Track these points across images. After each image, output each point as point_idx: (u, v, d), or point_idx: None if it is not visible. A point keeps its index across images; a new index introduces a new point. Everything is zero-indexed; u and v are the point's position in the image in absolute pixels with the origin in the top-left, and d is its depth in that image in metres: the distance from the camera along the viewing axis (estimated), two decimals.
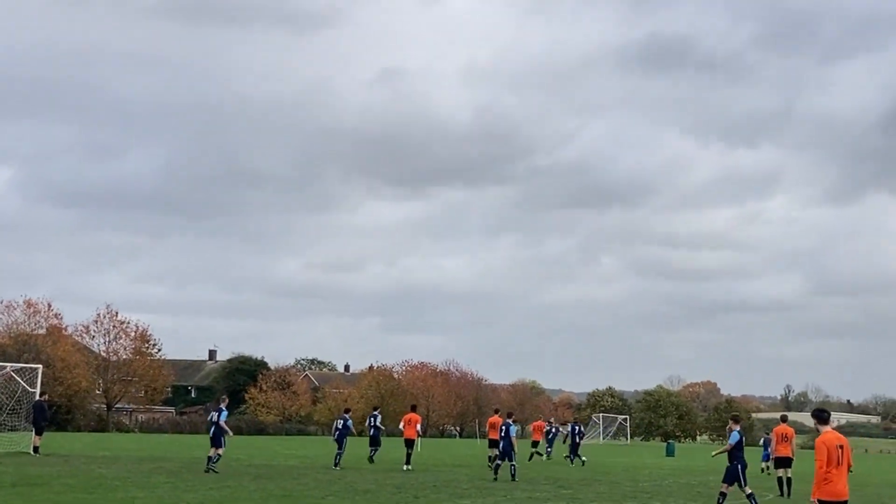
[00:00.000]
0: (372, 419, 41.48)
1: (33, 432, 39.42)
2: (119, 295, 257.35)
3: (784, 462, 31.10)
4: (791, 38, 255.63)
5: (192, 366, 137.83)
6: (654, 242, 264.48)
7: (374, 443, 40.30)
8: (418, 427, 38.45)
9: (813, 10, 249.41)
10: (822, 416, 14.36)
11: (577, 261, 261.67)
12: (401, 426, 39.94)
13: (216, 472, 30.18)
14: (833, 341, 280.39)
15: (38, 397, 40.73)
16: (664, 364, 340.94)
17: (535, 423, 55.68)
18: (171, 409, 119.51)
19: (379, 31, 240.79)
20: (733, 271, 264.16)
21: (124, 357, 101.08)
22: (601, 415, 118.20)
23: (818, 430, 14.07)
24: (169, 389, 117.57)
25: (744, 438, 24.26)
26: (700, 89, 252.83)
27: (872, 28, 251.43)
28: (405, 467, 36.66)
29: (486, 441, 39.18)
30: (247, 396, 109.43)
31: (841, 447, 13.88)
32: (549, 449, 54.56)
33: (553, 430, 56.81)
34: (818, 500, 13.65)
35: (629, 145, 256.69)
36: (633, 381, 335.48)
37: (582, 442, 50.62)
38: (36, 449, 38.75)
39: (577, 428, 50.46)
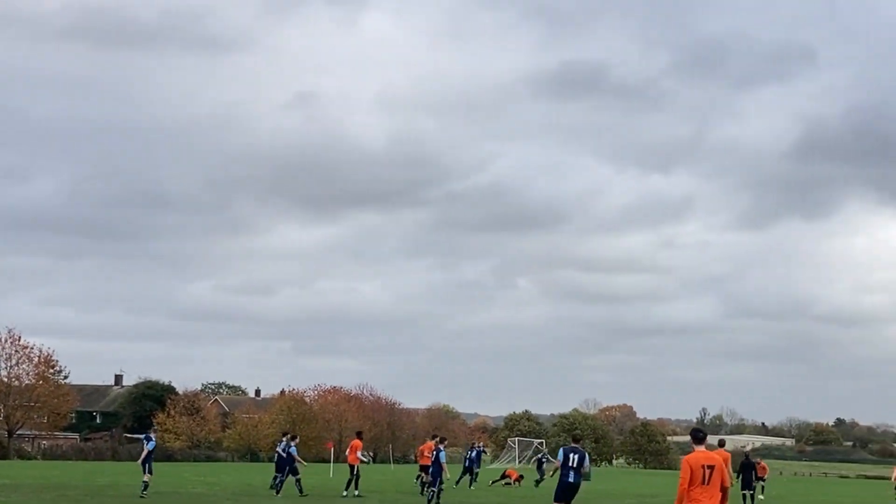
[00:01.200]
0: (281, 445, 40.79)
1: None
2: (23, 318, 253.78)
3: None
4: (703, 67, 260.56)
5: (98, 391, 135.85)
6: (571, 266, 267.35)
7: (280, 469, 39.52)
8: (359, 453, 37.87)
9: (724, 39, 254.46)
10: (696, 435, 14.66)
11: (493, 285, 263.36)
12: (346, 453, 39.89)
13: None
14: (747, 364, 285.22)
15: None
16: (581, 388, 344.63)
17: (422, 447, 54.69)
18: (76, 436, 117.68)
19: (294, 56, 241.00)
20: (649, 295, 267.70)
21: (27, 382, 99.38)
22: (517, 438, 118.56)
23: (693, 448, 14.28)
24: (73, 415, 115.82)
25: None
26: (615, 116, 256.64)
27: (782, 58, 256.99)
28: (344, 493, 36.47)
29: (401, 466, 39.12)
30: (154, 422, 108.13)
31: (710, 467, 13.99)
32: (476, 470, 54.62)
33: (477, 451, 56.61)
34: None
35: (545, 170, 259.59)
36: (550, 404, 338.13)
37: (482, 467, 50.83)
38: None
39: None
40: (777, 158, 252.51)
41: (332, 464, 61.01)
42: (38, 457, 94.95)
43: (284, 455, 36.22)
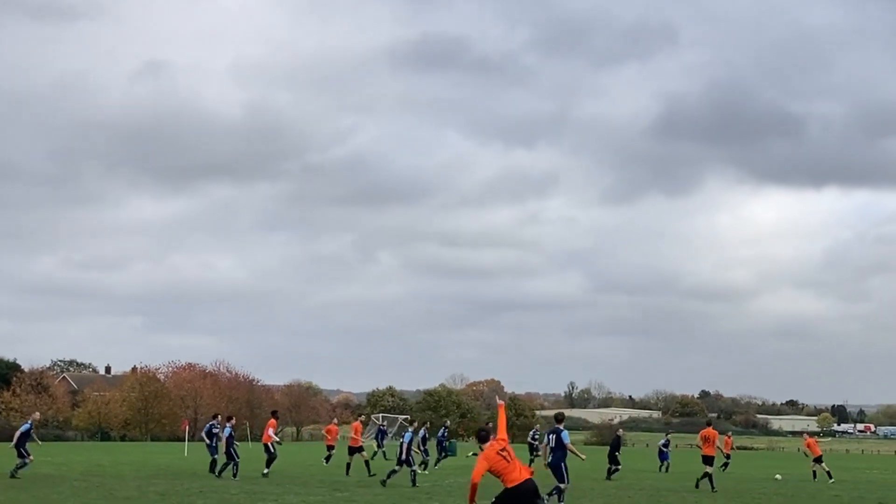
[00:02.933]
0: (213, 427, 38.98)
1: None
2: None
3: (708, 461, 35.83)
4: (565, 44, 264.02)
5: None
6: (434, 241, 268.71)
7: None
8: (270, 432, 37.85)
9: (586, 17, 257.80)
10: (481, 436, 15.63)
11: (353, 259, 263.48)
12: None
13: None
14: (614, 339, 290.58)
15: None
16: (447, 363, 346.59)
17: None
18: None
19: (143, 25, 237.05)
20: (514, 270, 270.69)
21: None
22: (381, 415, 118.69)
23: (481, 449, 15.13)
24: None
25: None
26: (476, 90, 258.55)
27: (643, 37, 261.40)
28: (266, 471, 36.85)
29: (264, 445, 38.68)
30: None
31: (504, 449, 15.13)
32: (382, 448, 54.08)
33: (382, 429, 55.88)
34: (505, 490, 14.58)
35: (406, 144, 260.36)
36: (416, 380, 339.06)
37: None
38: None
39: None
40: (639, 135, 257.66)
41: (186, 443, 60.23)
42: None
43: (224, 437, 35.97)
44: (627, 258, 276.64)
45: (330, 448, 52.03)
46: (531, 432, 47.50)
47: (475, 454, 27.41)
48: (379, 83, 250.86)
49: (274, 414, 39.80)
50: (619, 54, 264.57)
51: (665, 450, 52.19)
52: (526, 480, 14.50)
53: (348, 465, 39.57)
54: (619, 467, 43.46)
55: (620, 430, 50.20)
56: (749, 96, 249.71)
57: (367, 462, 39.78)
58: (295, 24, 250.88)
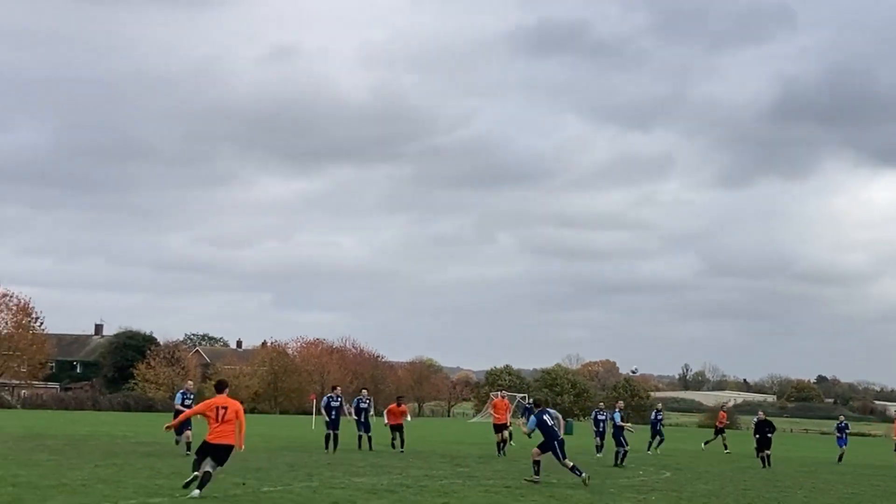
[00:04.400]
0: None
1: None
2: (2, 268, 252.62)
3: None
4: (681, 27, 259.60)
5: (78, 340, 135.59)
6: (551, 223, 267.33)
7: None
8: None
9: (701, 0, 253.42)
10: (219, 386, 19.92)
11: (473, 240, 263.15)
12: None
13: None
14: (728, 321, 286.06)
15: None
16: (563, 343, 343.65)
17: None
18: (56, 385, 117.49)
19: (273, 11, 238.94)
20: (629, 252, 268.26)
21: (5, 331, 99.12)
22: (500, 392, 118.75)
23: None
24: (53, 364, 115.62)
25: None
26: (593, 74, 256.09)
27: (759, 19, 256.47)
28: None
29: (382, 419, 39.19)
30: (135, 372, 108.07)
31: (224, 408, 19.19)
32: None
33: (528, 407, 54.53)
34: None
35: (525, 127, 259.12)
36: (532, 359, 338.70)
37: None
38: None
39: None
40: (756, 118, 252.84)
41: (314, 416, 61.00)
42: (18, 406, 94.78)
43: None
44: (742, 241, 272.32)
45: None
46: (594, 412, 45.83)
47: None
48: (499, 67, 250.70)
49: (399, 400, 40.14)
50: (736, 37, 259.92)
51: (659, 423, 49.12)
52: None
53: (498, 444, 38.39)
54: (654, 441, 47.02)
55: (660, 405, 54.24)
56: (867, 78, 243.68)
57: (504, 442, 38.65)
58: (419, 9, 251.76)
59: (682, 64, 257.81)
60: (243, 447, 19.83)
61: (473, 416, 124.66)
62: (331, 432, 35.33)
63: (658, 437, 48.05)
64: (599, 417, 41.92)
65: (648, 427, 50.09)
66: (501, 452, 37.49)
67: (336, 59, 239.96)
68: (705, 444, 54.09)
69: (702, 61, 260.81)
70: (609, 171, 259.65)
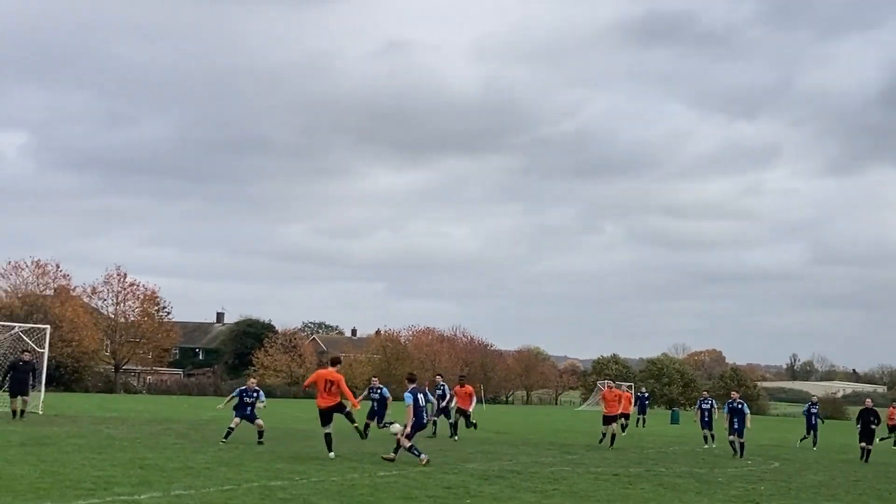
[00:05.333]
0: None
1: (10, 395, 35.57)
2: (128, 257, 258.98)
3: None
4: (789, 15, 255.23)
5: (200, 328, 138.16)
6: (657, 212, 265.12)
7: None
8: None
9: None
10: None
11: (579, 230, 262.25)
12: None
13: None
14: (837, 311, 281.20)
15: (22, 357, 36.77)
16: (669, 333, 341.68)
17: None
18: (179, 371, 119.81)
19: (387, 6, 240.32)
20: (735, 241, 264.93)
21: (132, 319, 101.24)
22: (606, 381, 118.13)
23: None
24: (176, 351, 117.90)
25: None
26: (700, 63, 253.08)
27: (867, 5, 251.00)
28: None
29: (492, 406, 39.29)
30: (253, 359, 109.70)
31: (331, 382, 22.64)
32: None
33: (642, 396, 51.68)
34: None
35: (632, 117, 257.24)
36: (638, 349, 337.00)
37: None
38: (15, 413, 34.80)
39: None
40: (865, 105, 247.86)
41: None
42: (144, 391, 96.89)
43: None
44: (850, 229, 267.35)
45: (624, 416, 46.00)
46: (699, 401, 43.60)
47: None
48: (606, 58, 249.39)
49: (462, 380, 38.60)
50: (844, 24, 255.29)
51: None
52: None
53: (604, 435, 36.22)
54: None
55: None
56: None
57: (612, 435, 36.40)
58: (529, 2, 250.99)
59: (789, 52, 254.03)
60: (359, 406, 26.62)
61: (580, 405, 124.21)
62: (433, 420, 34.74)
63: (812, 432, 44.46)
64: (704, 406, 40.91)
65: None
66: (605, 441, 35.42)
67: (447, 52, 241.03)
68: (880, 440, 45.11)
69: (809, 49, 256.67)
70: (715, 160, 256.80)
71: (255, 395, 30.32)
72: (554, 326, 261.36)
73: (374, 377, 38.02)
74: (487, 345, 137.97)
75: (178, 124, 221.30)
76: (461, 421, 36.51)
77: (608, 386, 37.62)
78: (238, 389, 30.63)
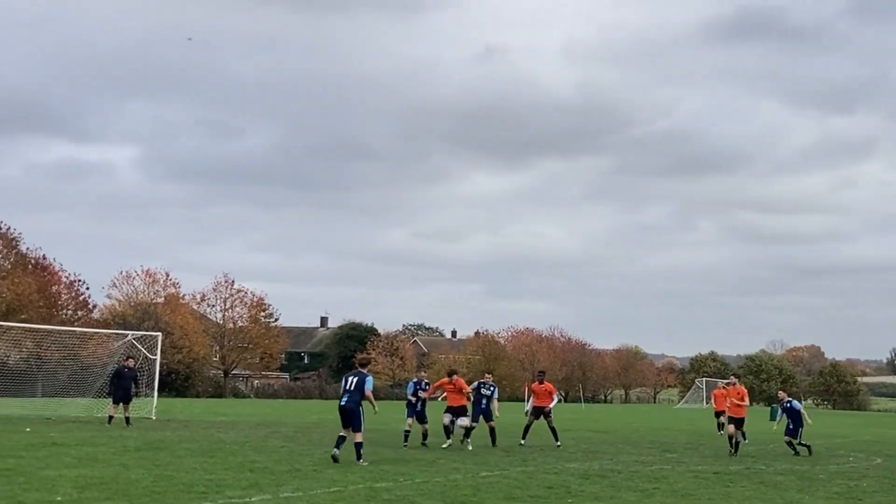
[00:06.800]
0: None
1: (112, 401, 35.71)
2: (235, 264, 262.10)
3: None
4: (880, 8, 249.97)
5: (305, 332, 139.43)
6: (752, 208, 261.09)
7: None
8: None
9: None
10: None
11: (674, 227, 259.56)
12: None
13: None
14: None
15: (124, 364, 37.09)
16: (766, 329, 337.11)
17: (718, 391, 44.11)
18: (286, 375, 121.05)
19: (482, 12, 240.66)
20: (832, 235, 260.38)
21: (240, 324, 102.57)
22: (704, 379, 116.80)
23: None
24: (283, 356, 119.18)
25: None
26: (792, 59, 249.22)
27: None
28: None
29: (591, 405, 38.68)
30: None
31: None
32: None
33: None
34: None
35: (724, 114, 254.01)
36: (736, 345, 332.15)
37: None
38: (112, 418, 35.06)
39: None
40: None
41: (525, 403, 61.17)
42: (251, 395, 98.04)
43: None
44: None
45: (718, 415, 41.94)
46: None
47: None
48: (698, 56, 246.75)
49: (540, 377, 33.67)
50: None
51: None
52: None
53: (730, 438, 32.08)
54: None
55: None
56: None
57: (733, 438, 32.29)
58: (621, 4, 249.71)
59: (883, 45, 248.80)
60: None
61: (678, 403, 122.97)
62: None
63: None
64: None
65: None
66: (731, 450, 30.97)
67: (542, 56, 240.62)
68: None
69: None
70: (809, 155, 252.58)
71: (428, 386, 30.24)
72: (651, 324, 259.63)
73: (488, 373, 35.54)
74: (585, 344, 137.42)
75: (282, 133, 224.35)
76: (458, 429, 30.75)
77: (731, 384, 33.00)
78: (412, 383, 30.57)
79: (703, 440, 37.60)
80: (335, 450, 22.25)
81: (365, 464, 21.73)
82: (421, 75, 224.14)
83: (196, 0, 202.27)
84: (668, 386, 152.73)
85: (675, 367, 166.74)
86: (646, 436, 40.35)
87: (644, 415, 74.84)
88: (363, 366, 23.39)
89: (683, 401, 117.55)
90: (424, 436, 29.89)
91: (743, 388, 32.26)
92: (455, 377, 30.14)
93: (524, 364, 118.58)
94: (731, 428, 31.24)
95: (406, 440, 28.95)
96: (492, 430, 29.92)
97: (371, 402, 22.57)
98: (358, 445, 22.28)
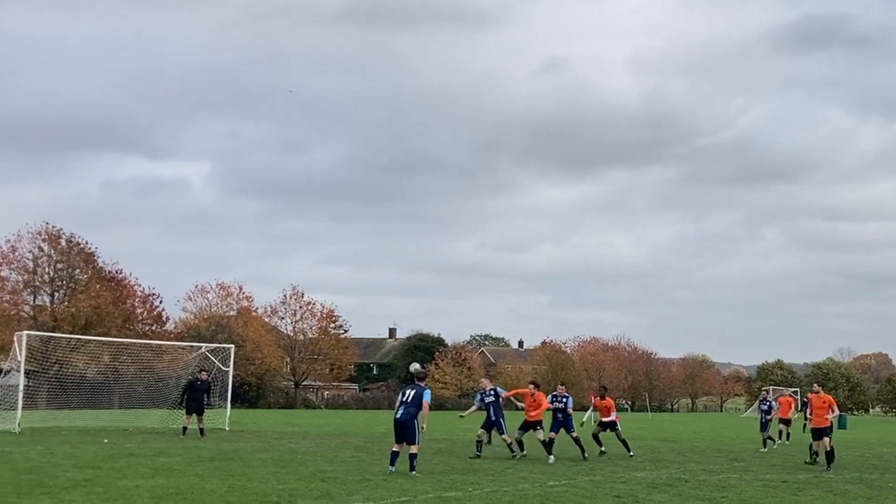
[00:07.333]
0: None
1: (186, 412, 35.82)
2: (305, 277, 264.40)
3: None
4: None
5: (374, 344, 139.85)
6: (817, 216, 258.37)
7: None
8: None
9: None
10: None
11: (740, 236, 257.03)
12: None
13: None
14: None
15: (199, 376, 37.18)
16: (833, 336, 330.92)
17: (783, 398, 41.70)
18: (355, 386, 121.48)
19: (547, 26, 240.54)
20: None
21: (311, 336, 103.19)
22: (770, 388, 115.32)
23: None
24: (352, 367, 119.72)
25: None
26: (856, 67, 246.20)
27: None
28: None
29: (657, 414, 38.29)
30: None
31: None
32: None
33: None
34: None
35: (789, 123, 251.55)
36: (802, 353, 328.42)
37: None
38: (186, 429, 35.45)
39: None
40: None
41: (591, 412, 60.89)
42: (322, 406, 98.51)
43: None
44: None
45: (783, 422, 41.00)
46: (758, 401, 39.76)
47: None
48: (762, 65, 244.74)
49: (602, 392, 32.86)
50: None
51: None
52: None
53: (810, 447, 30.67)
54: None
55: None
56: None
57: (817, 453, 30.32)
58: (686, 15, 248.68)
59: None
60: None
61: (745, 411, 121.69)
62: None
63: None
64: (763, 408, 38.85)
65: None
66: (813, 458, 29.82)
67: (607, 68, 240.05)
68: None
69: None
70: (875, 162, 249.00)
71: (493, 393, 30.15)
72: (717, 333, 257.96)
73: (562, 385, 34.37)
74: (651, 353, 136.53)
75: (351, 148, 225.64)
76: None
77: (815, 392, 29.42)
78: (478, 393, 30.55)
79: (771, 449, 37.16)
80: (391, 468, 22.27)
81: (418, 475, 21.71)
82: (487, 89, 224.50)
83: (268, 20, 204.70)
84: (735, 395, 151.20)
85: (741, 375, 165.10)
86: (713, 444, 39.98)
87: (711, 423, 74.11)
88: (420, 379, 23.17)
89: (751, 409, 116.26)
90: (521, 446, 28.98)
91: (829, 396, 29.34)
92: (537, 392, 29.69)
93: (590, 374, 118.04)
94: (822, 442, 28.09)
95: (479, 450, 28.92)
96: (576, 441, 29.13)
97: (424, 417, 22.32)
98: (413, 457, 22.20)
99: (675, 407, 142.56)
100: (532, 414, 28.92)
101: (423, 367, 25.74)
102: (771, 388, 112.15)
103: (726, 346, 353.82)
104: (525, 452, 28.73)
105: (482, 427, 30.01)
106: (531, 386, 29.45)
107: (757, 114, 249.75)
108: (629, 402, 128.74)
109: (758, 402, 37.67)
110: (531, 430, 28.75)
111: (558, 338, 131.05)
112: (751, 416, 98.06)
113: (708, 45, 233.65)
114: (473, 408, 30.78)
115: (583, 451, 28.86)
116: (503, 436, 29.47)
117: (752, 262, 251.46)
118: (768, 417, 37.94)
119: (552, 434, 28.57)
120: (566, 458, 28.34)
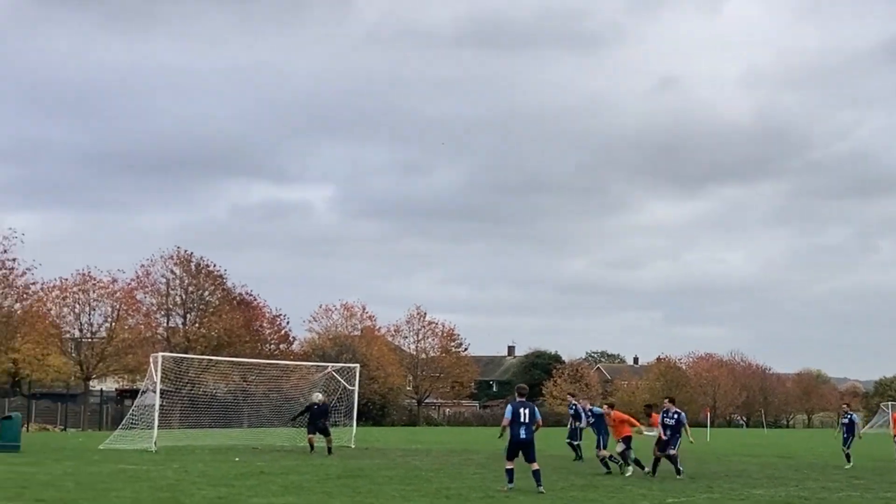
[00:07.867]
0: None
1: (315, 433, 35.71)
2: (426, 297, 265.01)
3: None
4: None
5: (493, 361, 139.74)
6: None
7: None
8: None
9: None
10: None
11: (855, 249, 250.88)
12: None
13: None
14: None
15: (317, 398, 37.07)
16: None
17: None
18: (475, 403, 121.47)
19: (659, 45, 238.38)
20: None
21: (432, 355, 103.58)
22: (890, 403, 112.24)
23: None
24: (473, 384, 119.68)
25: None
26: None
27: None
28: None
29: (773, 430, 37.50)
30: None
31: None
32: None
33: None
34: None
35: None
36: None
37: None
38: (313, 445, 35.49)
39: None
40: None
41: (708, 428, 59.97)
42: (444, 423, 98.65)
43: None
44: None
45: None
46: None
47: None
48: (875, 77, 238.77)
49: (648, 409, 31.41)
50: None
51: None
52: None
53: None
54: None
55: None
56: None
57: None
58: (797, 27, 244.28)
59: None
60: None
61: (864, 428, 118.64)
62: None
63: None
64: (843, 421, 37.68)
65: None
66: None
67: (718, 85, 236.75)
68: None
69: None
70: None
71: (590, 413, 30.04)
72: (833, 348, 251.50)
73: (570, 394, 34.55)
74: (766, 369, 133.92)
75: (468, 170, 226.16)
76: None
77: None
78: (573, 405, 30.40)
79: (892, 466, 36.11)
80: (510, 484, 22.15)
81: (544, 491, 21.54)
82: (599, 109, 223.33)
83: (387, 45, 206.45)
84: (854, 410, 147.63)
85: (858, 391, 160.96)
86: (830, 461, 38.98)
87: (827, 440, 72.34)
88: (523, 395, 23.34)
89: (868, 425, 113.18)
90: (638, 463, 28.33)
91: None
92: (613, 412, 30.17)
93: (705, 389, 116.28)
94: None
95: (608, 468, 28.60)
96: (671, 459, 27.62)
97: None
98: (537, 473, 22.06)
99: (791, 423, 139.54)
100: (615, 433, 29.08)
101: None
102: (890, 403, 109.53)
103: (842, 361, 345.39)
104: (647, 469, 28.04)
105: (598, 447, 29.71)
106: (605, 406, 29.60)
107: (870, 126, 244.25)
108: (744, 418, 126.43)
109: (839, 417, 36.67)
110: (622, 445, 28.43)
111: (672, 353, 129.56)
112: (868, 433, 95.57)
113: (821, 58, 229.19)
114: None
115: (678, 470, 27.46)
116: (601, 451, 29.30)
117: (868, 275, 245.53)
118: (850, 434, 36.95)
119: (671, 451, 27.68)
120: (685, 475, 27.60)
